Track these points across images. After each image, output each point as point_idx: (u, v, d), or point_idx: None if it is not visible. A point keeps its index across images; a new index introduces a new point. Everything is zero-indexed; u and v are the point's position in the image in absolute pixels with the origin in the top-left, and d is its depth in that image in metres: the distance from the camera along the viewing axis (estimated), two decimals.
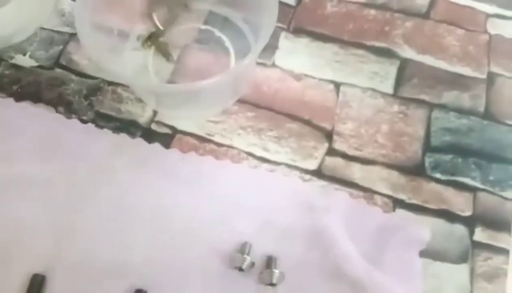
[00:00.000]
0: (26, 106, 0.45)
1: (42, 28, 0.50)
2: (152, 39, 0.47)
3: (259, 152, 0.44)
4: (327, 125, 0.45)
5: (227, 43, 0.48)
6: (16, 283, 0.37)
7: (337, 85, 0.47)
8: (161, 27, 0.47)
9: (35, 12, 0.49)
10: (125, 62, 0.46)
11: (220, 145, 0.44)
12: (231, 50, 0.47)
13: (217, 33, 0.48)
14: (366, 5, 0.52)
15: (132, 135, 0.44)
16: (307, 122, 0.46)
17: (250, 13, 0.46)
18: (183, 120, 0.45)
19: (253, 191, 0.42)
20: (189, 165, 0.43)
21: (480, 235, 0.41)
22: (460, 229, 0.41)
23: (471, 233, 0.41)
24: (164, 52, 0.47)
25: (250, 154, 0.44)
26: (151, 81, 0.46)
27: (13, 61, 0.48)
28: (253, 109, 0.46)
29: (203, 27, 0.49)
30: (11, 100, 0.45)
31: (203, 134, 0.45)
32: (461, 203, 0.42)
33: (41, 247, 0.39)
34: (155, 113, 0.45)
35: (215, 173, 0.43)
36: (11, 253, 0.39)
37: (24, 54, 0.48)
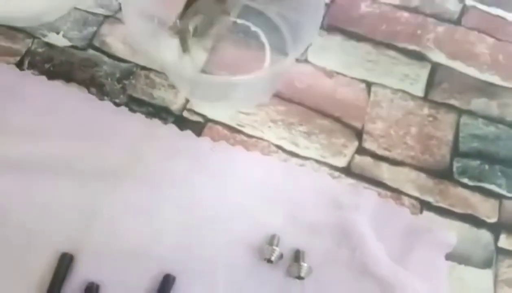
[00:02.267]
0: (58, 85, 0.45)
1: (76, 8, 0.49)
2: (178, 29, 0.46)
3: (288, 146, 0.44)
4: (357, 124, 0.46)
5: (263, 37, 0.48)
6: (44, 262, 0.37)
7: (369, 85, 0.48)
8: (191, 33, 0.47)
9: None
10: (162, 49, 0.46)
11: (250, 136, 0.44)
12: (267, 45, 0.47)
13: (253, 27, 0.48)
14: (399, 7, 0.52)
15: (164, 121, 0.44)
16: (338, 120, 0.46)
17: (286, 9, 0.46)
18: (215, 109, 0.45)
19: (283, 185, 0.42)
20: (219, 154, 0.43)
21: (505, 242, 0.41)
22: (485, 235, 0.42)
23: (496, 239, 0.41)
24: (184, 44, 0.46)
25: (279, 147, 0.44)
26: (186, 69, 0.46)
27: (46, 39, 0.48)
28: (284, 103, 0.46)
29: (239, 21, 0.49)
30: (43, 78, 0.45)
31: (234, 124, 0.45)
32: (487, 209, 0.43)
33: (70, 227, 0.39)
34: (187, 100, 0.45)
35: (245, 163, 0.43)
36: (41, 232, 0.39)
37: (58, 33, 0.48)
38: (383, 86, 0.48)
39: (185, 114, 0.45)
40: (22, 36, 0.48)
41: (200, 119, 0.45)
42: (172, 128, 0.44)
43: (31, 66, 0.46)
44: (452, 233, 0.41)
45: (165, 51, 0.46)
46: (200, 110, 0.45)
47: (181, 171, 0.42)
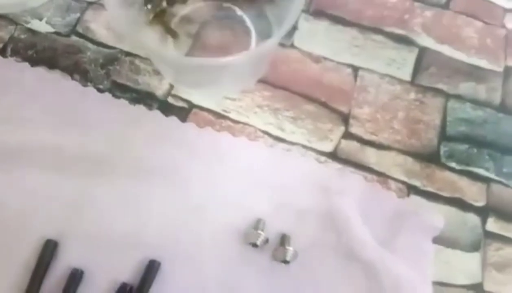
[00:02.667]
0: (41, 71, 0.44)
1: None
2: (159, 18, 0.46)
3: (275, 132, 0.44)
4: (343, 109, 0.45)
5: (248, 22, 0.47)
6: (29, 248, 0.37)
7: (355, 69, 0.47)
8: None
9: None
10: (145, 35, 0.45)
11: (236, 122, 0.44)
12: (252, 29, 0.47)
13: (239, 12, 0.48)
14: None
15: (149, 107, 0.44)
16: (324, 104, 0.45)
17: None
18: (200, 95, 0.45)
19: (269, 170, 0.42)
20: (205, 140, 0.42)
21: (493, 225, 0.41)
22: (472, 219, 0.41)
23: (484, 223, 0.41)
24: (170, 31, 0.46)
25: (266, 132, 0.44)
26: (170, 55, 0.46)
27: (29, 25, 0.47)
28: (270, 88, 0.46)
29: (225, 4, 0.48)
30: (26, 64, 0.44)
31: (220, 110, 0.44)
32: (474, 193, 0.42)
33: (55, 215, 0.39)
34: (172, 86, 0.45)
35: (231, 149, 0.42)
36: (25, 219, 0.38)
37: (41, 20, 0.47)
38: (370, 71, 0.47)
39: (170, 100, 0.44)
40: (5, 23, 0.47)
41: (185, 105, 0.44)
42: (156, 114, 0.43)
43: (14, 52, 0.46)
44: (439, 216, 0.41)
45: (148, 37, 0.45)
46: (185, 96, 0.45)
47: (167, 158, 0.41)
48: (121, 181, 0.40)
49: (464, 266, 0.40)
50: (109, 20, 0.47)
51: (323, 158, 0.43)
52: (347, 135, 0.44)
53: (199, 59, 0.43)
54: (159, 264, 0.37)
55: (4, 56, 0.45)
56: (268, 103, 0.45)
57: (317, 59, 0.47)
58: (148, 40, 0.45)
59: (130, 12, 0.43)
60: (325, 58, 0.48)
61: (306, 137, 0.44)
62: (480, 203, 0.42)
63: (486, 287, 0.39)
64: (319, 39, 0.49)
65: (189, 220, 0.39)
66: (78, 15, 0.48)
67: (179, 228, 0.39)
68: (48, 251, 0.37)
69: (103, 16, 0.48)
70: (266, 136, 0.44)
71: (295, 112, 0.45)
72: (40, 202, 0.39)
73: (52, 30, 0.47)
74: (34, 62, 0.45)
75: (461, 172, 0.43)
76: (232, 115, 0.44)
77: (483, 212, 0.42)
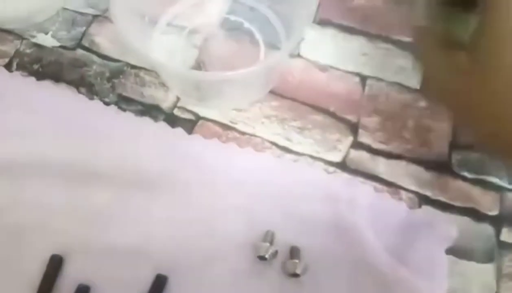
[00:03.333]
0: (47, 85, 0.44)
1: (65, 9, 0.49)
2: None
3: (282, 142, 0.43)
4: (352, 118, 0.45)
5: (257, 34, 0.47)
6: (34, 264, 0.36)
7: (363, 78, 0.47)
8: None
9: None
10: (153, 47, 0.45)
11: (243, 133, 0.43)
12: (261, 41, 0.47)
13: (246, 24, 0.47)
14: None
15: (155, 119, 0.43)
16: (332, 114, 0.45)
17: (277, 2, 0.46)
18: (208, 108, 0.44)
19: (276, 181, 0.41)
20: (211, 151, 0.42)
21: (507, 235, 0.40)
22: (486, 229, 0.40)
23: (498, 233, 0.40)
24: None
25: (273, 143, 0.43)
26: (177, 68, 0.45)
27: (34, 40, 0.47)
28: (277, 98, 0.45)
29: (232, 18, 0.48)
30: (32, 79, 0.44)
31: (227, 121, 0.44)
32: (488, 202, 0.41)
33: (60, 229, 0.38)
34: (178, 98, 0.45)
35: (238, 161, 0.42)
36: (30, 234, 0.38)
37: (46, 34, 0.47)
38: (378, 79, 0.47)
39: (176, 112, 0.44)
40: (11, 37, 0.47)
41: (191, 116, 0.44)
42: (162, 126, 0.43)
43: (20, 67, 0.46)
44: (452, 226, 0.40)
45: (156, 49, 0.45)
46: (191, 108, 0.44)
47: (173, 170, 0.41)
48: (127, 194, 0.40)
49: (479, 277, 0.38)
50: (115, 32, 0.47)
51: (331, 169, 0.42)
52: (356, 145, 0.44)
53: (205, 74, 0.43)
54: (166, 278, 0.36)
55: (10, 70, 0.45)
56: (276, 113, 0.45)
57: (324, 68, 0.47)
58: (155, 53, 0.45)
59: (137, 24, 0.43)
60: (332, 67, 0.47)
61: (314, 148, 0.43)
62: (494, 213, 0.41)
63: None
64: (325, 48, 0.48)
65: (196, 233, 0.39)
66: (83, 28, 0.48)
67: (186, 241, 0.38)
68: (54, 266, 0.36)
69: (109, 29, 0.48)
70: (273, 147, 0.43)
71: (302, 122, 0.44)
72: (45, 216, 0.38)
73: (57, 44, 0.47)
74: (40, 76, 0.45)
75: (473, 181, 0.42)
76: (239, 126, 0.44)
77: (497, 222, 0.41)
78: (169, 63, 0.44)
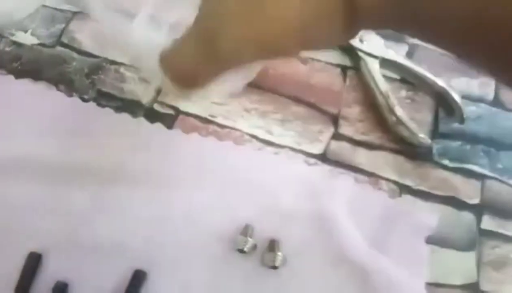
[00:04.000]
0: (26, 83, 0.44)
1: (44, 6, 0.49)
2: None
3: (262, 135, 0.43)
4: (333, 109, 0.45)
5: None
6: (12, 261, 0.36)
7: (344, 69, 0.46)
8: None
9: None
10: (133, 41, 0.44)
11: (223, 126, 0.43)
12: None
13: None
14: None
15: (134, 115, 0.43)
16: (313, 106, 0.45)
17: None
18: (187, 101, 0.44)
19: (256, 174, 0.41)
20: (191, 145, 0.42)
21: (488, 223, 0.40)
22: (467, 217, 0.40)
23: (479, 221, 0.40)
24: None
25: (253, 136, 0.43)
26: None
27: (14, 38, 0.47)
28: (258, 91, 0.45)
29: None
30: (11, 77, 0.44)
31: (206, 115, 0.44)
32: (469, 191, 0.41)
33: (38, 226, 0.38)
34: (158, 93, 0.44)
35: (218, 154, 0.42)
36: (8, 232, 0.38)
37: (26, 32, 0.47)
38: (358, 70, 0.46)
39: (156, 107, 0.44)
40: None
41: (171, 111, 0.44)
42: (141, 121, 0.43)
43: None
44: (432, 215, 0.40)
45: (136, 43, 0.45)
46: (171, 102, 0.44)
47: (152, 165, 0.41)
48: (106, 191, 0.40)
49: (460, 265, 0.38)
50: (95, 28, 0.47)
51: (312, 160, 0.42)
52: (337, 136, 0.43)
53: None
54: (144, 274, 0.36)
55: None
56: (256, 106, 0.44)
57: (305, 60, 0.47)
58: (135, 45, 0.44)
59: (117, 18, 0.43)
60: (313, 59, 0.47)
61: (295, 140, 0.43)
62: (475, 201, 0.41)
63: (483, 286, 0.37)
64: None
65: (175, 227, 0.39)
66: (63, 25, 0.48)
67: (165, 236, 0.38)
68: (32, 264, 0.36)
69: (88, 25, 0.48)
70: (254, 140, 0.43)
71: (283, 114, 0.44)
72: (23, 213, 0.38)
73: (37, 41, 0.47)
74: (19, 74, 0.44)
75: (454, 170, 0.42)
76: (219, 120, 0.44)
77: (478, 210, 0.41)
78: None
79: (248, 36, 0.23)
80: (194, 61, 0.25)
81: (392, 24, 0.25)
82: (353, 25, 0.24)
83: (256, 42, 0.24)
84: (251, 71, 0.43)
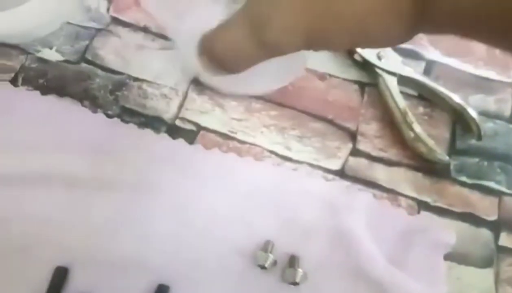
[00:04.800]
0: (51, 100, 0.45)
1: (68, 23, 0.50)
2: None
3: (282, 151, 0.44)
4: (351, 125, 0.45)
5: None
6: (39, 275, 0.37)
7: (362, 85, 0.47)
8: None
9: (61, 7, 0.50)
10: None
11: (243, 142, 0.44)
12: None
13: None
14: None
15: (157, 130, 0.44)
16: (331, 122, 0.45)
17: None
18: (208, 116, 0.45)
19: (276, 190, 0.42)
20: (212, 161, 0.43)
21: (506, 240, 0.41)
22: (485, 234, 0.41)
23: (496, 237, 0.41)
24: None
25: (273, 152, 0.44)
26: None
27: (39, 54, 0.48)
28: (276, 107, 0.46)
29: None
30: (37, 93, 0.45)
31: (226, 131, 0.45)
32: (486, 207, 0.42)
33: (64, 241, 0.39)
34: (179, 109, 0.45)
35: (238, 170, 0.43)
36: (35, 246, 0.39)
37: (51, 48, 0.48)
38: (377, 86, 0.47)
39: (178, 122, 0.45)
40: (16, 52, 0.48)
41: (192, 127, 0.45)
42: (164, 137, 0.44)
43: (25, 82, 0.47)
44: (450, 232, 0.40)
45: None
46: (193, 118, 0.45)
47: (174, 180, 0.42)
48: (129, 205, 0.41)
49: (477, 282, 0.39)
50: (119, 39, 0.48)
51: (330, 176, 0.43)
52: (355, 152, 0.44)
53: None
54: (167, 288, 0.37)
55: (16, 85, 0.46)
56: (275, 122, 0.45)
57: (323, 77, 0.48)
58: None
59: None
60: (331, 75, 0.48)
61: (313, 156, 0.44)
62: (492, 217, 0.41)
63: None
64: (324, 56, 0.49)
65: (197, 242, 0.39)
66: (87, 42, 0.49)
67: (188, 250, 0.39)
68: (58, 278, 0.37)
69: (112, 42, 0.49)
70: (273, 155, 0.44)
71: (301, 130, 0.45)
72: (49, 228, 0.39)
73: (62, 58, 0.48)
74: (44, 91, 0.46)
75: (472, 186, 0.43)
76: (239, 136, 0.44)
77: (495, 227, 0.41)
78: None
79: (299, 25, 0.22)
80: (240, 43, 0.24)
81: (463, 28, 0.22)
82: (418, 27, 0.22)
83: (307, 32, 0.22)
84: (298, 67, 0.43)
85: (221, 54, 0.25)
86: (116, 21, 0.50)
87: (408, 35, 0.23)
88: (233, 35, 0.24)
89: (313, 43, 0.23)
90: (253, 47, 0.24)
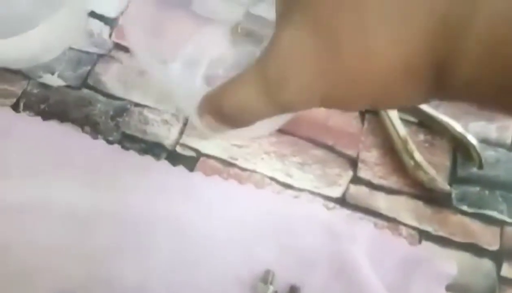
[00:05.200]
0: (53, 125, 0.45)
1: (71, 48, 0.50)
2: None
3: (282, 178, 0.44)
4: (351, 152, 0.45)
5: None
6: None
7: (362, 112, 0.47)
8: None
9: (64, 33, 0.50)
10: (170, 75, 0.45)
11: (243, 169, 0.44)
12: None
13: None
14: None
15: (157, 157, 0.44)
16: (331, 149, 0.45)
17: None
18: (208, 143, 0.45)
19: (276, 218, 0.41)
20: (212, 189, 0.43)
21: (508, 270, 0.40)
22: (487, 264, 0.40)
23: (498, 268, 0.40)
24: None
25: (273, 179, 0.44)
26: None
27: (41, 80, 0.48)
28: (276, 134, 0.46)
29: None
30: (38, 118, 0.46)
31: (227, 157, 0.45)
32: (488, 237, 0.41)
33: (65, 269, 0.39)
34: (180, 135, 0.45)
35: (238, 197, 0.42)
36: (34, 274, 0.39)
37: (53, 74, 0.49)
38: (377, 113, 0.47)
39: (178, 149, 0.45)
40: (18, 77, 0.48)
41: (193, 153, 0.45)
42: (164, 164, 0.44)
43: (27, 107, 0.47)
44: (452, 263, 0.40)
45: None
46: (193, 144, 0.45)
47: (174, 208, 0.41)
48: (129, 232, 0.40)
49: None
50: (122, 70, 0.48)
51: (331, 204, 0.43)
52: (356, 180, 0.44)
53: None
54: None
55: (17, 110, 0.46)
56: (275, 149, 0.45)
57: None
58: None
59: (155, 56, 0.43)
60: None
61: (314, 183, 0.44)
62: (494, 248, 0.41)
63: None
64: None
65: (196, 270, 0.39)
66: (89, 67, 0.49)
67: (186, 278, 0.39)
68: None
69: (113, 68, 0.49)
70: (273, 182, 0.44)
71: (302, 157, 0.45)
72: (48, 256, 0.39)
73: (63, 83, 0.48)
74: (46, 116, 0.46)
75: (473, 215, 0.42)
76: (240, 162, 0.44)
77: (497, 257, 0.41)
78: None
79: (315, 87, 0.21)
80: (253, 102, 0.23)
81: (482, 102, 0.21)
82: (434, 93, 0.21)
83: (323, 93, 0.22)
84: (285, 118, 0.44)
85: (231, 112, 0.24)
86: (118, 46, 0.50)
87: (424, 100, 0.22)
88: (246, 93, 0.23)
89: (328, 105, 0.22)
90: (267, 105, 0.23)
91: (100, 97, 0.47)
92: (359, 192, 0.43)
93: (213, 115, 0.25)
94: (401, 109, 0.46)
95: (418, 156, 0.43)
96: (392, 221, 0.42)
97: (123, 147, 0.44)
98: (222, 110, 0.24)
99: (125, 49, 0.50)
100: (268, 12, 0.47)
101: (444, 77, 0.19)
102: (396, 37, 0.19)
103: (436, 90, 0.20)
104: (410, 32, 0.19)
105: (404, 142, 0.44)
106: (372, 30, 0.19)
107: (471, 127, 0.46)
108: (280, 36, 0.22)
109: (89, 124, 0.46)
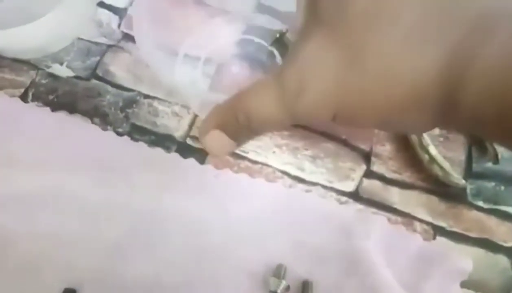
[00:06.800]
0: (62, 116, 0.45)
1: (80, 39, 0.49)
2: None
3: (294, 172, 0.43)
4: (364, 146, 0.44)
5: (278, 58, 0.46)
6: None
7: None
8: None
9: (73, 23, 0.49)
10: (175, 72, 0.45)
11: (254, 162, 0.43)
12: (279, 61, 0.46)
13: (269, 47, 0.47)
14: None
15: (167, 149, 0.43)
16: (344, 142, 0.45)
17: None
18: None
19: (288, 212, 0.41)
20: (223, 182, 0.42)
21: None
22: (502, 260, 0.40)
23: None
24: None
25: (285, 172, 0.43)
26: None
27: (50, 70, 0.48)
28: (288, 127, 0.45)
29: (257, 40, 0.48)
30: (47, 109, 0.45)
31: (238, 150, 0.44)
32: (503, 233, 0.41)
33: (74, 261, 0.38)
34: (190, 127, 0.45)
35: (249, 191, 0.42)
36: (43, 266, 0.38)
37: (61, 64, 0.48)
38: None
39: (189, 141, 0.44)
40: (27, 68, 0.48)
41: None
42: (175, 157, 0.43)
43: (35, 97, 0.46)
44: (467, 259, 0.39)
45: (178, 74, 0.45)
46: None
47: (184, 201, 0.41)
48: (139, 225, 0.40)
49: None
50: (131, 61, 0.48)
51: (344, 199, 0.42)
52: (369, 174, 0.43)
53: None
54: None
55: (26, 101, 0.46)
56: (287, 142, 0.45)
57: None
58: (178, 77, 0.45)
59: (160, 53, 0.43)
60: None
61: (326, 177, 0.43)
62: (510, 244, 0.40)
63: None
64: None
65: (208, 263, 0.39)
66: (98, 58, 0.48)
67: (198, 272, 0.38)
68: None
69: (122, 59, 0.48)
70: (285, 176, 0.43)
71: (314, 151, 0.44)
72: (58, 248, 0.39)
73: (72, 74, 0.47)
74: (55, 107, 0.45)
75: (489, 211, 0.42)
76: (251, 156, 0.44)
77: None
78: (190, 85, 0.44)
79: (329, 102, 0.21)
80: (269, 108, 0.23)
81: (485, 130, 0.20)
82: (440, 120, 0.21)
83: (335, 110, 0.22)
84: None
85: (246, 120, 0.23)
86: (127, 37, 0.49)
87: (429, 129, 0.23)
88: (264, 100, 0.23)
89: (339, 120, 0.22)
90: (282, 114, 0.23)
91: (109, 88, 0.47)
92: (373, 186, 0.43)
93: (224, 128, 0.24)
94: None
95: (433, 150, 0.42)
96: (406, 216, 0.41)
97: (133, 138, 0.44)
98: (236, 119, 0.23)
99: (134, 40, 0.49)
100: (279, 3, 0.47)
101: (450, 108, 0.20)
102: (416, 64, 0.19)
103: (442, 121, 0.21)
104: (429, 59, 0.19)
105: (419, 136, 0.43)
106: (398, 55, 0.19)
107: None
108: (305, 46, 0.21)
109: (98, 115, 0.45)
